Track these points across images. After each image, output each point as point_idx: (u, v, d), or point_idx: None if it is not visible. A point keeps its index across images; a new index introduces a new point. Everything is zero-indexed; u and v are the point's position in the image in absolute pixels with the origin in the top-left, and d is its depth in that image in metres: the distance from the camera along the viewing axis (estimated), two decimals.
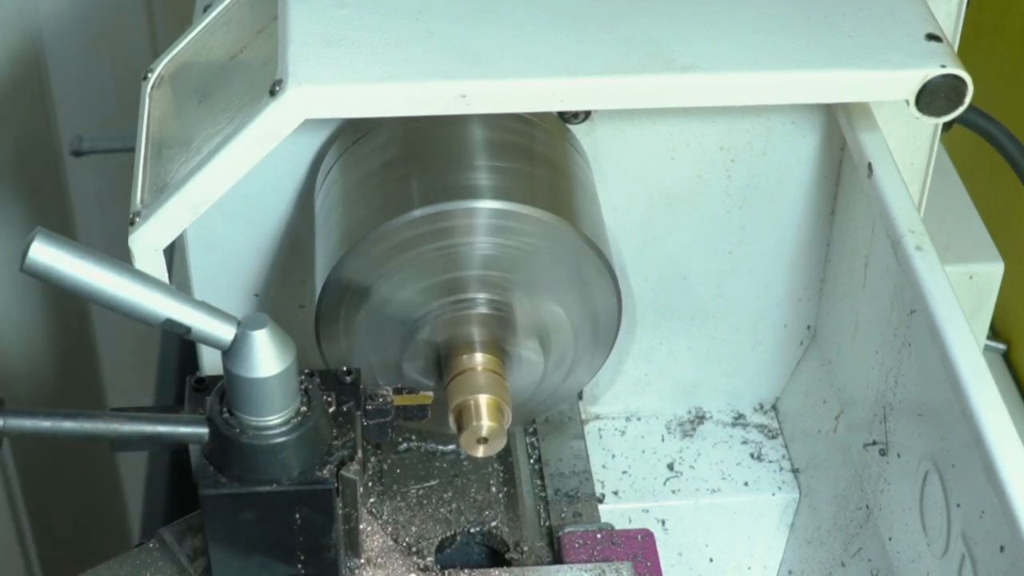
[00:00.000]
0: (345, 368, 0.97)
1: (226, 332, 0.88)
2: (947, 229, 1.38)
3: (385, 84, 1.03)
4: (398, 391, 0.99)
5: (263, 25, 1.14)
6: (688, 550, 1.29)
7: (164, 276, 1.07)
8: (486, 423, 1.02)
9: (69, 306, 2.05)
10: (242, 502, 0.91)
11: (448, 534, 1.11)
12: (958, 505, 0.98)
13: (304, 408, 0.91)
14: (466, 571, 1.03)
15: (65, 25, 1.87)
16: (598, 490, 1.24)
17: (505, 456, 1.17)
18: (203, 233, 1.15)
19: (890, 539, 1.11)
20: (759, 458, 1.31)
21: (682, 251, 1.23)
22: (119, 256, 0.89)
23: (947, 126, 1.21)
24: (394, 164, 1.07)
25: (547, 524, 1.15)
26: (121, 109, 1.71)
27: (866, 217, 1.14)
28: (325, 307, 1.06)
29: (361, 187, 1.08)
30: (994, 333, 1.64)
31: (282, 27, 1.07)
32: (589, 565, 1.05)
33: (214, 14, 1.20)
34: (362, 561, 1.01)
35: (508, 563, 1.10)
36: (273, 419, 0.90)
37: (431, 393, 1.04)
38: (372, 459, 1.16)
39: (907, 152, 1.21)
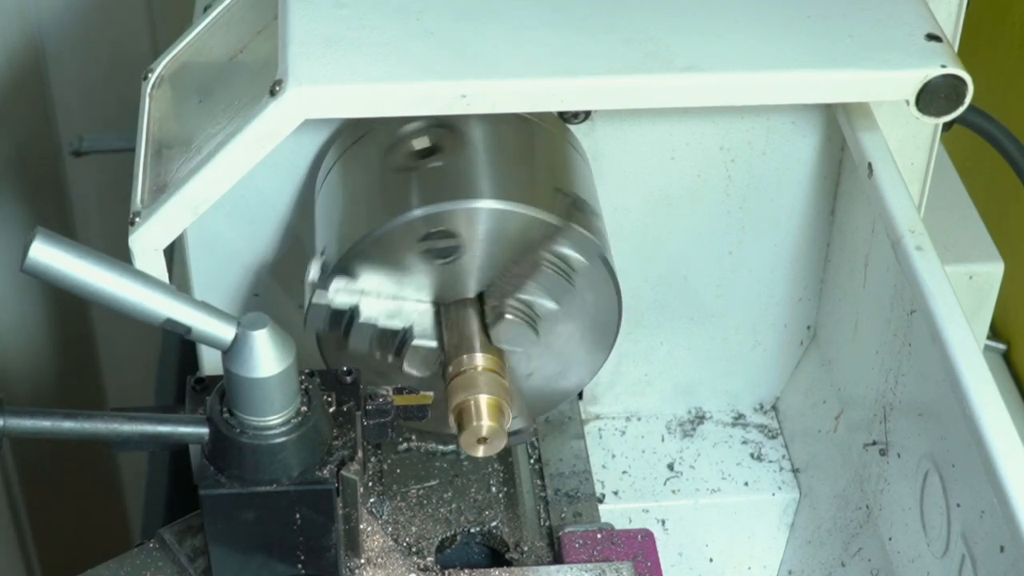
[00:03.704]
0: (345, 368, 0.97)
1: (226, 332, 0.87)
2: (947, 229, 1.38)
3: (385, 84, 1.03)
4: (398, 391, 0.99)
5: (263, 25, 1.14)
6: (688, 550, 1.29)
7: (164, 276, 1.07)
8: (486, 423, 1.02)
9: (69, 306, 2.05)
10: (242, 502, 0.91)
11: (448, 534, 1.11)
12: (958, 505, 0.98)
13: (304, 408, 0.91)
14: (466, 571, 1.03)
15: (65, 25, 1.87)
16: (598, 490, 1.24)
17: (505, 456, 1.17)
18: (203, 233, 1.15)
19: (890, 539, 1.11)
20: (759, 458, 1.31)
21: (682, 251, 1.23)
22: (119, 256, 0.89)
23: (947, 126, 1.21)
24: (465, 146, 1.07)
25: (547, 524, 1.15)
26: (121, 109, 1.71)
27: (866, 217, 1.14)
28: (352, 258, 1.05)
29: (361, 187, 1.08)
30: (994, 333, 1.64)
31: (282, 27, 1.07)
32: (589, 565, 1.05)
33: (214, 14, 1.20)
34: (362, 561, 1.01)
35: (508, 563, 1.10)
36: (273, 419, 0.90)
37: (431, 393, 1.04)
38: (372, 459, 1.16)
39: (907, 152, 1.21)
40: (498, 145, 1.08)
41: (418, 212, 1.03)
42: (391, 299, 1.06)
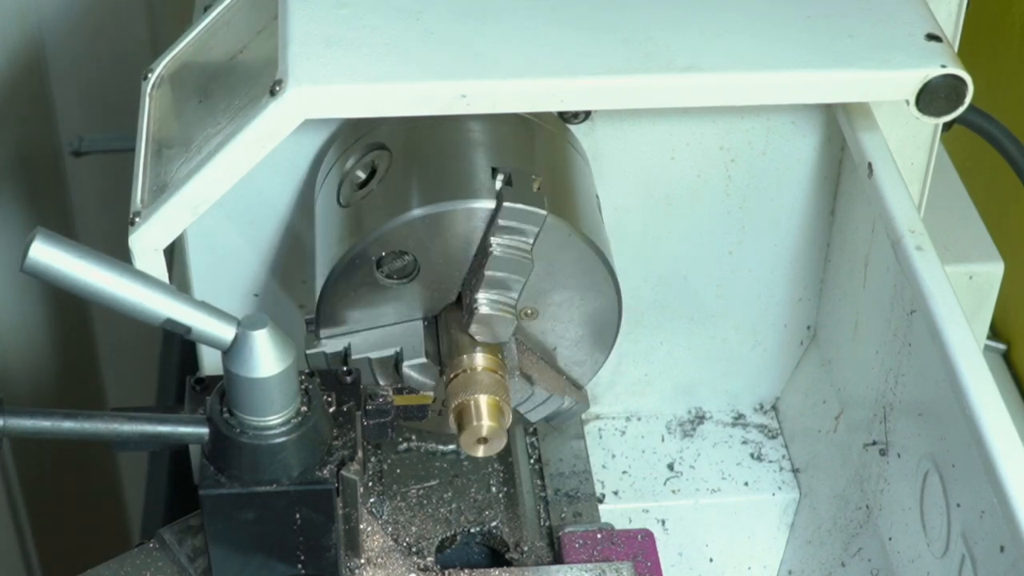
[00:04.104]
0: (345, 368, 0.97)
1: (226, 332, 0.87)
2: (947, 229, 1.38)
3: (385, 84, 1.03)
4: (398, 391, 0.99)
5: (263, 25, 1.14)
6: (688, 550, 1.29)
7: (164, 276, 1.07)
8: (486, 423, 1.02)
9: (69, 306, 2.05)
10: (242, 502, 0.91)
11: (448, 534, 1.11)
12: (958, 505, 0.98)
13: (304, 408, 0.91)
14: (466, 571, 1.03)
15: (65, 25, 1.87)
16: (598, 490, 1.24)
17: (505, 456, 1.17)
18: (203, 233, 1.15)
19: (890, 539, 1.11)
20: (759, 458, 1.31)
21: (682, 251, 1.23)
22: (119, 256, 0.89)
23: (947, 126, 1.21)
24: (394, 164, 1.07)
25: (547, 524, 1.15)
26: (121, 109, 1.71)
27: (866, 217, 1.14)
28: (325, 307, 1.06)
29: (322, 231, 1.08)
30: (994, 333, 1.64)
31: (282, 27, 1.07)
32: (589, 565, 1.05)
33: (214, 14, 1.20)
34: (362, 561, 1.01)
35: (508, 563, 1.10)
36: (273, 419, 0.90)
37: (431, 393, 1.04)
38: (372, 459, 1.16)
39: (907, 152, 1.21)
40: (427, 150, 1.07)
41: (418, 212, 1.03)
42: (379, 328, 1.06)
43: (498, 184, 1.04)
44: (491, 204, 1.02)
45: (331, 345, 1.06)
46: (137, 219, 1.06)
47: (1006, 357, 1.63)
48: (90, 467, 2.20)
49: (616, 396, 1.32)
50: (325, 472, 0.92)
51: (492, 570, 1.05)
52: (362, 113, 1.04)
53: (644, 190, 1.19)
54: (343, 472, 0.92)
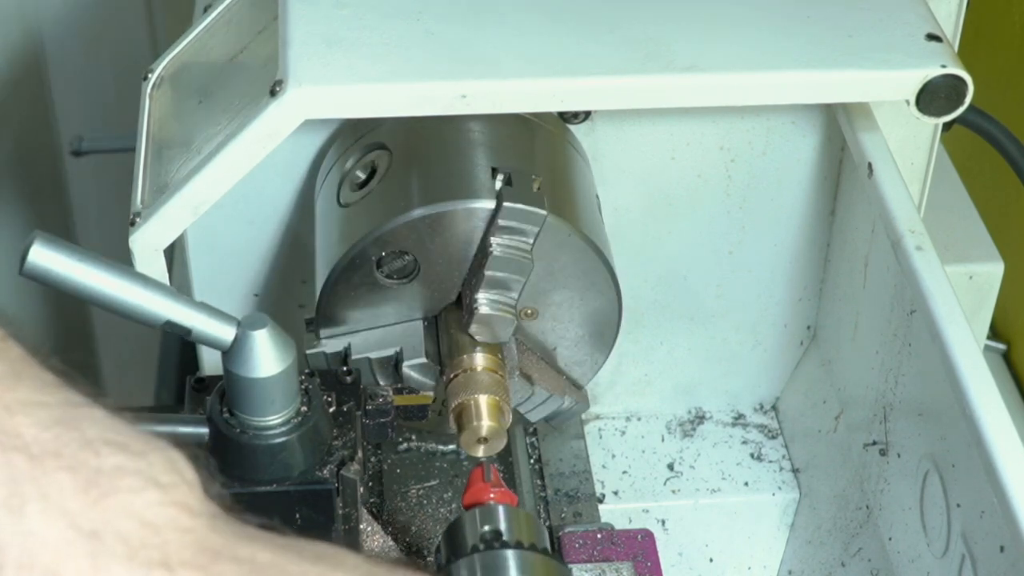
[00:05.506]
0: (345, 368, 0.97)
1: (226, 333, 0.87)
2: (947, 229, 1.38)
3: (385, 84, 1.03)
4: (398, 391, 0.99)
5: (263, 25, 1.14)
6: (688, 550, 1.29)
7: (164, 276, 1.07)
8: (486, 423, 1.02)
9: (69, 306, 2.05)
10: (242, 502, 0.91)
11: None
12: (958, 505, 0.98)
13: (304, 408, 0.91)
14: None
15: (65, 25, 1.87)
16: (598, 490, 1.24)
17: (505, 456, 1.17)
18: (203, 233, 1.15)
19: (890, 539, 1.11)
20: (759, 458, 1.31)
21: (682, 251, 1.23)
22: (119, 256, 0.89)
23: (947, 126, 1.21)
24: (394, 164, 1.07)
25: (547, 524, 1.15)
26: (121, 109, 1.71)
27: (866, 217, 1.14)
28: (325, 307, 1.06)
29: (322, 231, 1.08)
30: (994, 333, 1.64)
31: (282, 27, 1.07)
32: (589, 565, 1.05)
33: (214, 14, 1.20)
34: None
35: None
36: (273, 419, 0.89)
37: (431, 393, 1.04)
38: (372, 459, 1.16)
39: (907, 152, 1.21)
40: (427, 150, 1.07)
41: (418, 212, 1.03)
42: (379, 328, 1.06)
43: (498, 184, 1.04)
44: (491, 204, 1.02)
45: (331, 345, 1.06)
46: (137, 219, 1.06)
47: (1006, 357, 1.63)
48: None
49: (616, 396, 1.32)
50: (325, 472, 0.92)
51: None
52: (362, 113, 1.04)
53: (644, 190, 1.19)
54: (343, 472, 0.92)
